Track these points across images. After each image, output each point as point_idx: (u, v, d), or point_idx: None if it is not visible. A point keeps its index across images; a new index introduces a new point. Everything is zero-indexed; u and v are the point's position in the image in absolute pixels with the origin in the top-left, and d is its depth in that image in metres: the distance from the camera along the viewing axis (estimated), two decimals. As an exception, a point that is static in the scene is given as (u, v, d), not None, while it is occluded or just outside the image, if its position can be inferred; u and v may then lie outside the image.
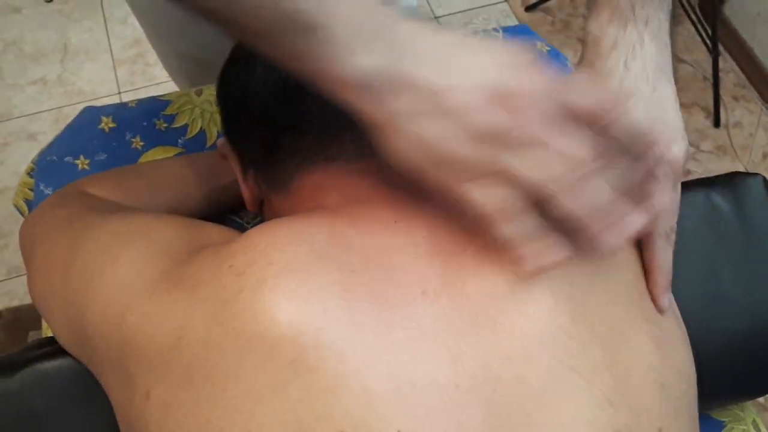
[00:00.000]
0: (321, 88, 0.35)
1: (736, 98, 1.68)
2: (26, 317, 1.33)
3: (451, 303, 0.36)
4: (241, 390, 0.33)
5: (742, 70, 1.71)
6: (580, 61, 0.44)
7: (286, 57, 0.34)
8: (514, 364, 0.35)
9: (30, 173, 0.73)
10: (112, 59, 1.64)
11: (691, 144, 1.58)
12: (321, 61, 0.33)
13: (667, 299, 0.41)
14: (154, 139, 0.72)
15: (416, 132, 0.34)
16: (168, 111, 0.74)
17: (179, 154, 0.71)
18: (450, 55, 0.34)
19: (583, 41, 0.44)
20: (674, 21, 1.82)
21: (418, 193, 0.38)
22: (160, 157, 0.71)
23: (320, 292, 0.35)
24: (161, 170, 0.64)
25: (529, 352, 0.35)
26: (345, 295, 0.35)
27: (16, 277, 1.38)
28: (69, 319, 0.43)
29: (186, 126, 0.73)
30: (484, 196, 0.34)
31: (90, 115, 0.74)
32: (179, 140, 0.73)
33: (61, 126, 1.55)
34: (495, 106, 0.33)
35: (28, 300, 1.39)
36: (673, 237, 0.43)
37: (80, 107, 1.57)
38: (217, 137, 0.73)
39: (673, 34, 1.76)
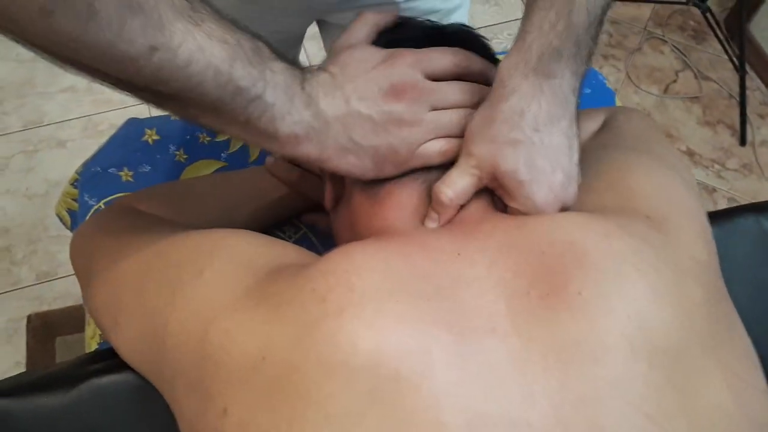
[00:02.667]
0: (273, 150, 0.43)
1: (762, 116, 1.67)
2: (55, 323, 1.34)
3: (520, 343, 0.36)
4: (320, 415, 0.33)
5: (769, 88, 1.70)
6: (487, 98, 0.46)
7: (237, 126, 0.42)
8: (586, 406, 0.35)
9: (74, 183, 0.74)
10: (141, 68, 1.66)
11: (716, 162, 1.59)
12: (263, 123, 0.41)
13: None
14: (198, 153, 0.73)
15: (355, 151, 0.45)
16: (211, 125, 0.75)
17: (222, 168, 0.72)
18: (339, 89, 0.44)
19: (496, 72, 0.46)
20: (698, 39, 1.82)
21: (470, 222, 0.44)
22: (204, 170, 0.72)
23: (398, 323, 0.36)
24: (209, 186, 0.64)
25: (601, 395, 0.35)
26: (421, 326, 0.36)
27: (45, 282, 1.39)
28: (141, 332, 0.43)
29: (229, 140, 0.74)
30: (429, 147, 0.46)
31: (134, 127, 0.75)
32: (222, 154, 0.73)
33: (90, 134, 1.58)
34: (386, 100, 0.44)
35: (56, 305, 1.41)
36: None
37: (109, 116, 1.61)
38: (261, 153, 0.73)
39: (696, 52, 1.75)
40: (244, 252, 0.43)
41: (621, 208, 0.45)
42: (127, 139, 0.74)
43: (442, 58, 0.47)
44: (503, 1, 1.91)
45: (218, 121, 0.42)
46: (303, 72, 0.44)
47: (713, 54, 1.73)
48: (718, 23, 1.63)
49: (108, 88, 0.39)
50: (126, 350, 0.46)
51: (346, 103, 0.44)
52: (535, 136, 0.43)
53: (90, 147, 1.52)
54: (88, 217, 0.69)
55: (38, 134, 1.56)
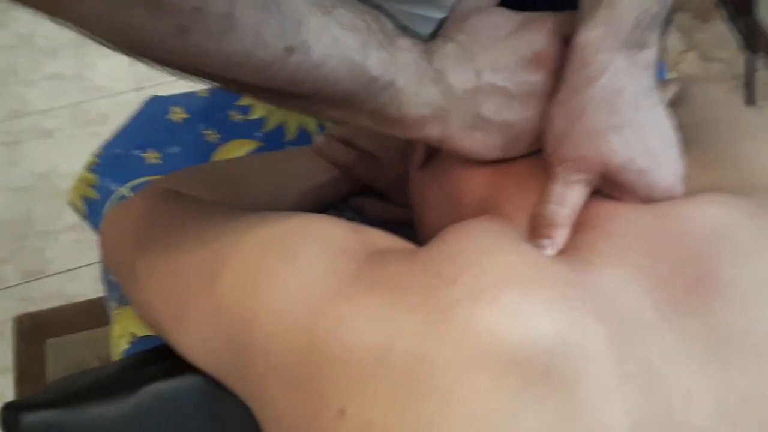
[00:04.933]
0: (395, 134, 0.41)
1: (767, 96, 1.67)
2: (44, 324, 1.26)
3: (673, 338, 0.33)
4: (465, 416, 0.29)
5: (775, 71, 1.70)
6: (562, 87, 0.39)
7: (364, 116, 0.39)
8: (755, 404, 0.31)
9: (91, 168, 0.67)
10: (130, 54, 1.57)
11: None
12: (391, 109, 0.38)
13: None
14: (230, 132, 0.67)
15: (483, 128, 0.40)
16: (243, 101, 0.69)
17: (258, 148, 0.66)
18: (469, 60, 0.40)
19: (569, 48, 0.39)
20: (703, 19, 1.81)
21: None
22: (237, 150, 0.66)
23: (545, 310, 0.32)
24: (253, 168, 0.59)
25: None
26: (570, 313, 0.32)
27: (33, 281, 1.31)
28: (217, 327, 0.38)
29: (263, 118, 0.68)
30: None
31: (157, 105, 0.69)
32: (256, 133, 0.67)
33: (79, 123, 1.50)
34: (526, 70, 0.40)
35: (45, 305, 1.32)
36: None
37: (99, 104, 1.53)
38: (298, 133, 0.68)
39: (701, 33, 1.75)
40: (336, 236, 0.38)
41: (744, 185, 0.41)
42: (151, 117, 0.68)
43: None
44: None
45: (345, 114, 0.39)
46: (428, 45, 0.40)
47: (718, 35, 1.72)
48: (725, 3, 1.62)
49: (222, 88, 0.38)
50: (195, 349, 0.40)
51: (477, 75, 0.40)
52: (637, 116, 0.37)
53: (79, 136, 1.46)
54: (110, 204, 0.63)
55: (21, 124, 1.47)
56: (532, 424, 0.29)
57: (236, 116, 0.68)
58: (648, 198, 0.38)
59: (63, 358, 1.27)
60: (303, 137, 0.67)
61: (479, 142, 0.41)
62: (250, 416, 0.37)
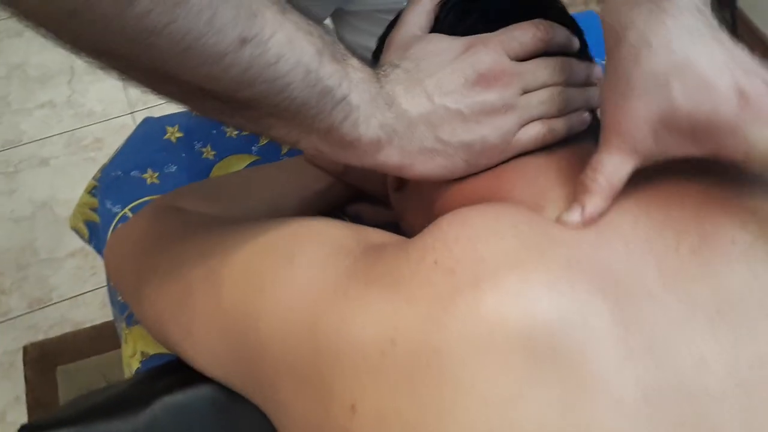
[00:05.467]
0: (349, 161, 0.40)
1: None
2: (54, 352, 1.26)
3: (680, 305, 0.33)
4: (473, 399, 0.29)
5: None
6: (605, 66, 0.38)
7: (316, 136, 0.38)
8: (764, 367, 0.31)
9: (92, 191, 0.68)
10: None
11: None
12: (346, 128, 0.37)
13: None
14: (226, 148, 0.68)
15: (443, 152, 0.40)
16: (237, 117, 0.69)
17: (255, 162, 0.67)
18: (419, 85, 0.40)
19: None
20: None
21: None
22: (235, 166, 0.67)
23: (547, 291, 0.31)
24: (248, 181, 0.59)
25: None
26: (573, 294, 0.32)
27: (39, 309, 1.31)
28: (224, 335, 0.38)
29: (258, 132, 0.69)
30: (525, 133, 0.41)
31: (152, 125, 0.70)
32: (253, 148, 0.68)
33: (74, 150, 1.51)
34: (474, 90, 0.40)
35: (53, 333, 1.33)
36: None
37: (92, 129, 1.54)
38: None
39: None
40: (332, 234, 0.39)
41: None
42: (147, 138, 0.68)
43: (525, 34, 0.42)
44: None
45: (295, 131, 0.37)
46: (376, 70, 0.40)
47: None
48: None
49: (166, 100, 0.35)
50: (205, 360, 0.41)
51: (428, 99, 0.40)
52: (677, 58, 0.34)
53: (76, 163, 1.47)
54: (113, 226, 0.63)
55: (18, 154, 1.48)
56: (541, 402, 0.29)
57: (232, 132, 0.69)
58: (720, 136, 0.34)
59: (75, 385, 1.28)
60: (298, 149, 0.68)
61: (440, 165, 0.41)
62: (264, 423, 0.38)
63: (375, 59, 0.48)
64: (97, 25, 0.28)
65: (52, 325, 1.30)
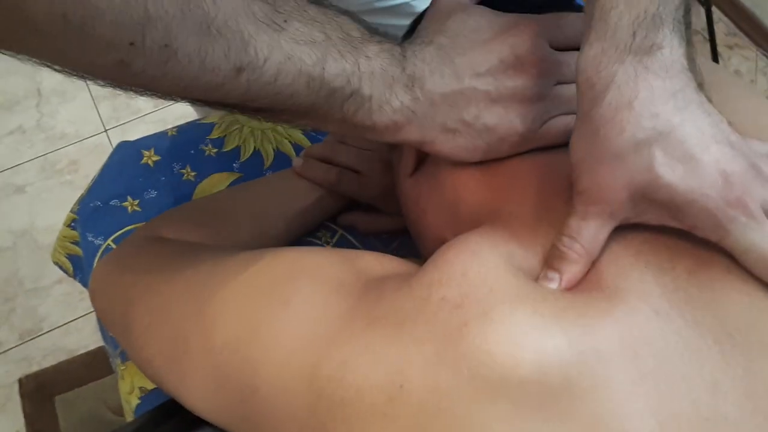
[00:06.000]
0: (372, 138, 0.40)
1: (730, 47, 1.67)
2: (50, 382, 1.24)
3: (687, 327, 0.31)
4: None
5: (731, 19, 1.70)
6: (577, 115, 0.36)
7: (334, 123, 0.39)
8: None
9: (71, 224, 0.66)
10: (91, 96, 1.54)
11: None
12: (360, 117, 0.38)
13: None
14: (207, 167, 0.66)
15: (465, 132, 0.39)
16: (214, 134, 0.68)
17: (238, 180, 0.65)
18: (449, 64, 0.39)
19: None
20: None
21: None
22: (218, 185, 0.65)
23: (557, 321, 0.30)
24: (234, 200, 0.58)
25: None
26: (581, 321, 0.31)
27: (30, 340, 1.28)
28: (218, 383, 0.37)
29: (238, 148, 0.67)
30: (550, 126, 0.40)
31: (127, 150, 0.67)
32: (234, 165, 0.66)
33: (49, 174, 1.47)
34: (508, 74, 0.39)
35: (47, 363, 1.30)
36: None
37: (66, 151, 1.50)
38: (275, 157, 0.67)
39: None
40: (328, 271, 0.37)
41: None
42: (124, 165, 0.66)
43: (573, 25, 0.40)
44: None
45: (313, 123, 0.39)
46: (403, 48, 0.38)
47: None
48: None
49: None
50: (201, 405, 0.39)
51: (457, 79, 0.38)
52: (660, 123, 0.32)
53: (52, 188, 1.43)
54: (98, 259, 0.61)
55: (-9, 184, 1.44)
56: None
57: (210, 150, 0.67)
58: (699, 218, 0.32)
59: (74, 413, 1.25)
60: (281, 161, 0.66)
61: (461, 146, 0.40)
62: None
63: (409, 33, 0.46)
64: (104, 81, 0.33)
65: (45, 354, 1.28)
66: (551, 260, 0.35)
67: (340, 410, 0.31)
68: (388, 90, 0.38)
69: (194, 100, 0.36)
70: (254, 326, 0.35)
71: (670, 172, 0.32)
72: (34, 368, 1.25)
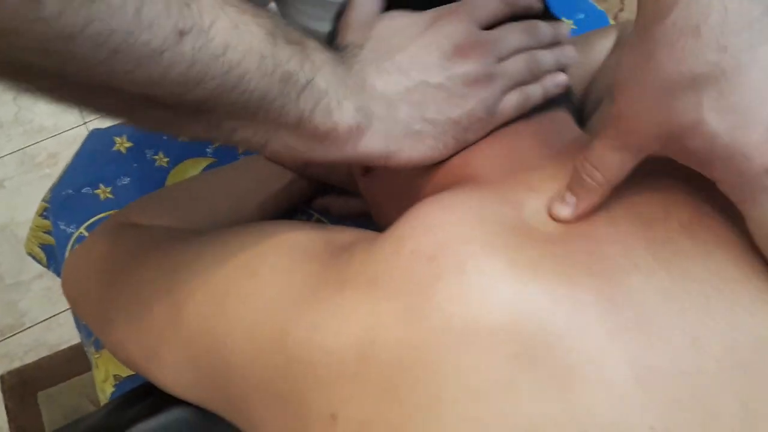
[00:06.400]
0: (329, 157, 0.36)
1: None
2: (32, 377, 1.23)
3: (671, 279, 0.30)
4: (459, 395, 0.27)
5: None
6: (633, 27, 0.31)
7: (287, 131, 0.34)
8: (764, 348, 0.29)
9: (43, 213, 0.65)
10: (69, 89, 1.53)
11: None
12: (318, 118, 0.34)
13: None
14: (180, 153, 0.65)
15: (431, 133, 0.38)
16: (188, 120, 0.67)
17: (211, 165, 0.64)
18: (392, 63, 0.38)
19: None
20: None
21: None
22: (191, 170, 0.64)
23: (533, 270, 0.30)
24: (206, 186, 0.57)
25: None
26: (558, 269, 0.30)
27: (11, 336, 1.27)
28: (191, 357, 0.36)
29: (212, 133, 0.66)
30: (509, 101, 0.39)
31: (99, 138, 0.66)
32: (207, 150, 0.65)
33: (28, 168, 1.46)
34: (453, 62, 0.38)
35: (29, 359, 1.29)
36: None
37: (45, 144, 1.48)
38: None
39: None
40: (296, 240, 0.36)
41: None
42: (96, 152, 0.65)
43: (491, 1, 0.40)
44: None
45: (261, 131, 0.33)
46: (338, 53, 0.37)
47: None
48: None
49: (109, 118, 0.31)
50: (174, 383, 0.39)
51: (405, 76, 0.37)
52: (721, 60, 0.28)
53: (31, 182, 1.42)
54: (70, 247, 0.60)
55: (-30, 179, 1.42)
56: (531, 388, 0.27)
57: (183, 135, 0.66)
58: (734, 178, 0.29)
59: (58, 408, 1.25)
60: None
61: (430, 147, 0.39)
62: None
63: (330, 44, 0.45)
64: (5, 37, 0.24)
65: (27, 350, 1.27)
66: (571, 184, 0.33)
67: (311, 372, 0.30)
68: (343, 86, 0.35)
69: (119, 92, 0.28)
70: (222, 299, 0.35)
71: (718, 119, 0.28)
72: (16, 364, 1.24)
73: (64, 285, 0.51)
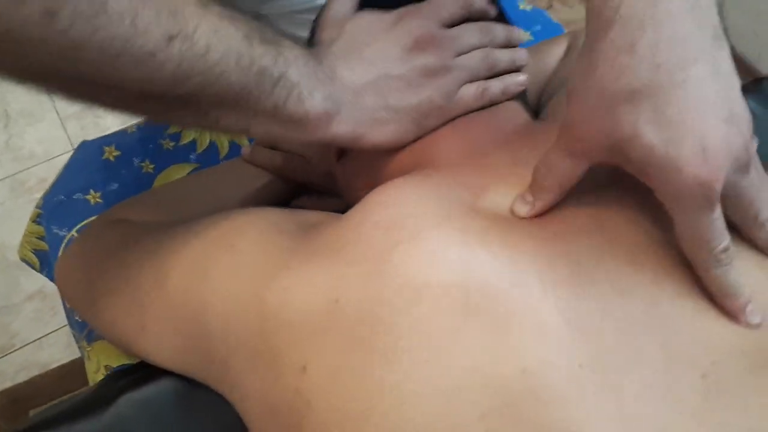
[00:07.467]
0: (304, 138, 0.41)
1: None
2: (24, 397, 1.25)
3: (605, 240, 0.35)
4: (414, 341, 0.31)
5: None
6: (584, 41, 0.33)
7: (265, 117, 0.39)
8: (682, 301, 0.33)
9: (36, 219, 0.69)
10: (59, 116, 1.57)
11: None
12: (292, 106, 0.38)
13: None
14: (165, 160, 0.69)
15: (394, 118, 0.43)
16: (172, 130, 0.71)
17: (194, 169, 0.68)
18: (359, 57, 0.43)
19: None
20: None
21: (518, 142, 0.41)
22: (175, 176, 0.68)
23: (481, 236, 0.34)
24: (189, 187, 0.61)
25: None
26: (503, 235, 0.34)
27: (2, 357, 1.29)
28: (174, 326, 0.40)
29: (194, 141, 0.71)
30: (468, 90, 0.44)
31: (89, 148, 0.71)
32: (191, 156, 0.70)
33: (19, 193, 1.49)
34: (412, 54, 0.43)
35: (20, 378, 1.30)
36: None
37: (35, 171, 1.52)
38: (230, 148, 0.70)
39: None
40: (271, 219, 0.41)
41: None
42: (86, 161, 0.69)
43: (451, 3, 0.46)
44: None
45: (242, 118, 0.38)
46: (311, 49, 0.42)
47: None
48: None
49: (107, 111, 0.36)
50: (160, 353, 0.42)
51: (371, 68, 0.42)
52: (660, 77, 0.30)
53: (22, 206, 1.45)
54: (62, 248, 0.64)
55: (-38, 205, 1.45)
56: (474, 333, 0.31)
57: (168, 144, 0.70)
58: (673, 190, 0.31)
59: (48, 427, 1.26)
60: (235, 151, 0.69)
61: (393, 131, 0.43)
62: (227, 408, 0.39)
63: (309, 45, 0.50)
64: (25, 47, 0.29)
65: (18, 370, 1.28)
66: (531, 184, 0.36)
67: (284, 329, 0.34)
68: (314, 77, 0.39)
69: (120, 88, 0.34)
70: (203, 270, 0.39)
71: (653, 132, 0.30)
72: (8, 384, 1.25)
73: (57, 279, 0.55)
